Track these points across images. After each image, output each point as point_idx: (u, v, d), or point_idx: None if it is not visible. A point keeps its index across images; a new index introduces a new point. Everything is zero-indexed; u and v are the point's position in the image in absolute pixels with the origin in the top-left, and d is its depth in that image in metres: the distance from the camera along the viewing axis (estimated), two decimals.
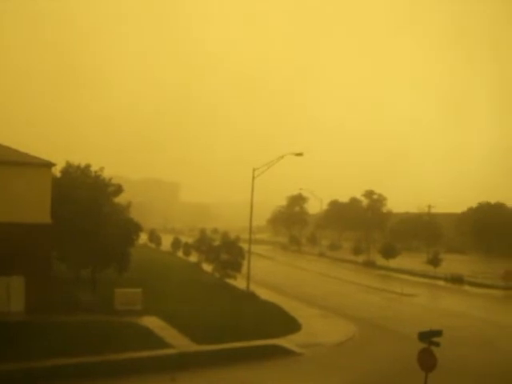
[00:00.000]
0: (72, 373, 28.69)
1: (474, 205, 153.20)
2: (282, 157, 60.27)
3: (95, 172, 57.07)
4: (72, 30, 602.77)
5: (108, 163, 60.93)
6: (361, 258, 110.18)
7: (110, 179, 58.14)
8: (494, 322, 51.71)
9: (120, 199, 60.74)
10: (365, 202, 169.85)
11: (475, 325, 49.99)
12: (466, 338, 42.53)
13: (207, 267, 73.75)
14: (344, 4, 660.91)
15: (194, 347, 35.06)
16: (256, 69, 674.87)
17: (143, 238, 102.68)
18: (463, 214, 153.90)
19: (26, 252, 40.86)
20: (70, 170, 57.11)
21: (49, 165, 44.91)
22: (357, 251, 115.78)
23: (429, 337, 23.56)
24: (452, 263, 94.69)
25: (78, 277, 54.49)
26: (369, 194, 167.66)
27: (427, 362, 23.27)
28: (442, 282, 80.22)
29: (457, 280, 78.96)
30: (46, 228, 43.02)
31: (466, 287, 76.15)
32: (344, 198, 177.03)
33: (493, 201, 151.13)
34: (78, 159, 58.54)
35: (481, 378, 32.76)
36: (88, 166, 57.41)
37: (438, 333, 23.71)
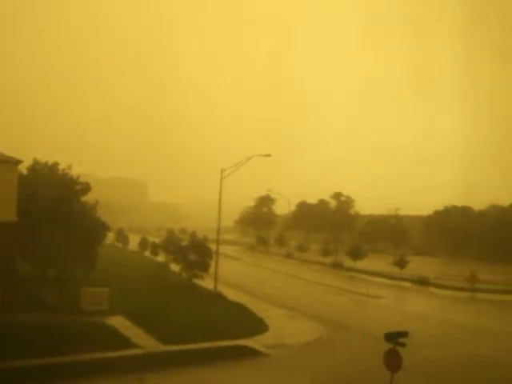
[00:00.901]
0: (34, 374, 28.18)
1: (441, 208, 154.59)
2: (250, 158, 60.37)
3: (63, 170, 56.67)
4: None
5: (75, 161, 60.52)
6: (328, 260, 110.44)
7: (78, 177, 57.76)
8: (459, 323, 52.15)
9: (87, 198, 60.33)
10: (333, 203, 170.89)
11: (440, 326, 50.47)
12: (430, 339, 42.87)
13: (175, 267, 73.45)
14: None
15: (160, 347, 34.85)
16: (226, 70, 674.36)
17: (110, 237, 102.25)
18: (430, 216, 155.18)
19: None
20: (37, 168, 56.64)
21: (15, 162, 44.38)
22: (325, 252, 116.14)
23: (395, 338, 23.75)
24: (418, 265, 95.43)
25: (44, 276, 53.97)
26: (337, 195, 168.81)
27: (393, 362, 23.48)
28: (408, 284, 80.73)
29: (423, 282, 79.52)
30: (11, 226, 42.49)
31: (432, 289, 76.70)
32: (312, 200, 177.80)
33: (460, 203, 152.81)
34: (45, 157, 58.08)
35: (444, 378, 33.10)
36: (56, 164, 57.01)
37: (404, 334, 23.91)
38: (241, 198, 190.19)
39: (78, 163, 63.38)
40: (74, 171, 57.86)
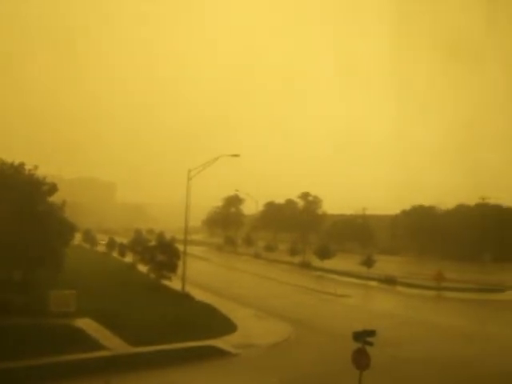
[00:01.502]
0: (0, 378, 28.02)
1: (408, 207, 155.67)
2: (218, 158, 60.36)
3: (29, 170, 56.09)
4: None
5: (41, 162, 59.85)
6: (296, 260, 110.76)
7: (44, 178, 57.22)
8: (425, 321, 52.62)
9: (54, 199, 59.77)
10: (300, 203, 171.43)
11: (407, 324, 50.87)
12: (398, 338, 43.16)
13: (142, 268, 73.19)
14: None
15: (128, 349, 34.76)
16: (194, 69, 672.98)
17: (78, 238, 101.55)
18: (397, 216, 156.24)
19: None
20: (3, 168, 55.99)
21: None
22: (292, 252, 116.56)
23: (363, 337, 23.93)
24: (385, 264, 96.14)
25: (10, 278, 53.35)
26: (304, 195, 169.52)
27: (361, 361, 23.66)
28: (375, 283, 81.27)
29: (390, 281, 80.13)
30: None
31: (399, 288, 77.31)
32: (280, 200, 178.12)
33: (427, 203, 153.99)
34: (11, 157, 57.36)
35: (410, 376, 33.42)
36: (22, 165, 56.33)
37: (372, 333, 24.09)
38: (209, 198, 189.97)
39: (45, 164, 62.71)
40: (41, 172, 57.29)
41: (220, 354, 36.21)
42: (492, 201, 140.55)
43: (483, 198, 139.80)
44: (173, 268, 63.81)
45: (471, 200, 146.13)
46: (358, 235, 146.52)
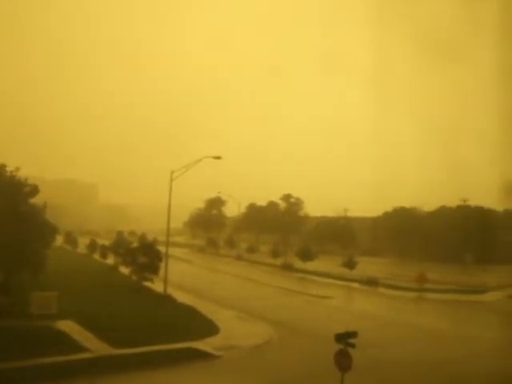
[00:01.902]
0: None
1: (390, 209, 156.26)
2: (200, 159, 60.33)
3: (11, 172, 55.75)
4: None
5: (23, 163, 59.45)
6: (278, 261, 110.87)
7: (26, 179, 56.91)
8: (407, 323, 52.87)
9: (36, 200, 59.47)
10: (282, 205, 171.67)
11: (389, 326, 51.12)
12: (380, 339, 43.35)
13: (124, 270, 73.01)
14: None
15: (110, 351, 34.67)
16: (177, 70, 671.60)
17: (59, 240, 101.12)
18: (378, 217, 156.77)
19: None
20: None
21: None
22: (274, 254, 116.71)
23: (345, 338, 24.03)
24: (367, 266, 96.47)
25: None
26: (286, 197, 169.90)
27: (343, 362, 23.75)
28: (357, 285, 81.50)
29: (372, 282, 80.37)
30: None
31: (381, 289, 77.58)
32: (262, 202, 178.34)
33: (409, 204, 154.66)
34: None
35: (392, 377, 33.57)
36: (3, 166, 55.96)
37: (354, 334, 24.20)
38: (191, 199, 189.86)
39: (26, 165, 62.16)
40: (22, 173, 56.96)
41: (202, 356, 36.15)
42: (473, 202, 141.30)
43: (464, 200, 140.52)
44: (155, 270, 63.69)
45: (454, 201, 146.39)
46: (339, 237, 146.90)
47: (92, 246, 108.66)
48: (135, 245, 73.45)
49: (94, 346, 35.43)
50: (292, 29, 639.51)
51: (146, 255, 65.06)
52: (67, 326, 40.33)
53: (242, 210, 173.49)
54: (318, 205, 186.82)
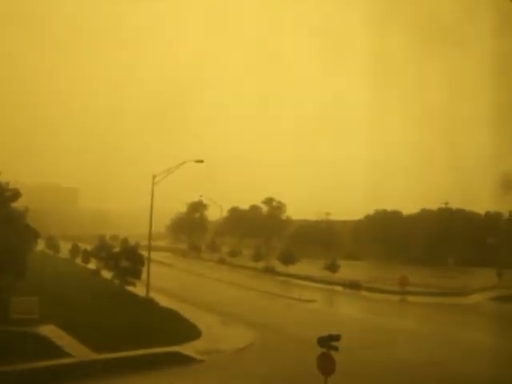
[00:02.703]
0: None
1: (371, 212, 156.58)
2: (183, 163, 60.32)
3: None
4: None
5: (2, 168, 59.13)
6: (260, 265, 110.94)
7: (7, 183, 56.65)
8: (389, 325, 53.07)
9: (16, 205, 59.19)
10: (265, 209, 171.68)
11: (371, 329, 51.18)
12: (362, 343, 43.39)
13: (107, 274, 72.72)
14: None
15: (92, 356, 34.52)
16: (158, 77, 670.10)
17: (41, 244, 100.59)
18: (360, 221, 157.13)
19: None
20: None
21: None
22: (256, 258, 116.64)
23: (328, 341, 24.05)
24: (350, 269, 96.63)
25: None
26: (268, 201, 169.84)
27: (326, 366, 23.78)
28: (340, 288, 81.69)
29: (354, 286, 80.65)
30: None
31: (364, 292, 77.83)
32: (244, 205, 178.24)
33: (390, 208, 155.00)
34: None
35: (375, 380, 33.69)
36: None
37: (337, 337, 24.23)
38: (173, 203, 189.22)
39: (6, 170, 61.76)
40: (2, 178, 56.69)
41: (184, 360, 36.14)
42: (454, 205, 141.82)
43: (446, 203, 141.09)
44: (137, 274, 63.54)
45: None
46: (321, 240, 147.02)
47: (74, 251, 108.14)
48: (117, 249, 73.17)
49: (76, 350, 35.25)
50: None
51: (128, 259, 64.89)
52: (49, 331, 40.11)
53: (225, 213, 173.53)
54: (300, 208, 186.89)
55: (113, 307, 53.32)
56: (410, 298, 73.41)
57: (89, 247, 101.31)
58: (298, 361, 36.54)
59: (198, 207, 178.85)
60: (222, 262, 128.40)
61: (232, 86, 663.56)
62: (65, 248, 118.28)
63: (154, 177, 59.95)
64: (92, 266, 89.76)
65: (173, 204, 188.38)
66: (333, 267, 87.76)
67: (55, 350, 34.94)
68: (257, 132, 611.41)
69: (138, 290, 62.92)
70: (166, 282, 77.33)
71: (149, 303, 57.32)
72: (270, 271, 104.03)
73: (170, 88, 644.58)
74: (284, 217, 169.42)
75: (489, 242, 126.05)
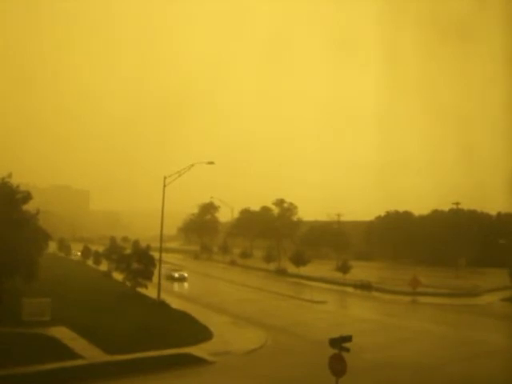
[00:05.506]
0: None
1: (383, 213, 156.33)
2: (193, 165, 60.28)
3: (3, 179, 55.60)
4: None
5: (14, 170, 59.32)
6: (272, 266, 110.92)
7: (18, 186, 56.78)
8: (400, 326, 52.87)
9: (28, 207, 59.36)
10: (276, 210, 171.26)
11: (383, 330, 51.05)
12: (374, 343, 43.30)
13: (118, 276, 72.84)
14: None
15: (104, 358, 34.52)
16: (168, 79, 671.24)
17: (52, 246, 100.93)
18: (371, 222, 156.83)
19: None
20: None
21: None
22: (268, 259, 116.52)
23: (339, 343, 23.99)
24: (361, 270, 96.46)
25: None
26: (279, 202, 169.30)
27: (338, 367, 23.70)
28: (351, 289, 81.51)
29: (365, 287, 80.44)
30: None
31: (375, 293, 77.60)
32: (255, 207, 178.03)
33: (402, 209, 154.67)
34: None
35: (387, 381, 33.56)
36: None
37: (348, 338, 24.17)
38: (184, 205, 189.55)
39: (18, 172, 61.98)
40: (14, 180, 56.84)
41: (196, 361, 36.04)
42: (466, 206, 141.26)
43: (457, 203, 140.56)
44: (148, 276, 63.63)
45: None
46: (333, 241, 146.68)
47: (85, 253, 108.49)
48: (129, 251, 73.28)
49: (88, 352, 35.30)
50: (301, 13, 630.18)
51: (139, 261, 64.97)
52: (60, 333, 40.20)
53: (236, 215, 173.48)
54: (312, 209, 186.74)
55: (124, 309, 53.39)
56: (422, 299, 73.05)
57: (100, 249, 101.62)
58: (308, 362, 36.45)
59: (209, 209, 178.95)
60: (233, 263, 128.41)
61: (243, 87, 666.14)
62: (76, 250, 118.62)
63: (165, 178, 59.95)
64: (103, 267, 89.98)
65: (184, 206, 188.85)
66: (344, 268, 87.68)
67: (67, 352, 34.98)
68: (268, 133, 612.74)
69: (150, 291, 62.90)
70: (177, 283, 77.40)
71: (160, 305, 57.31)
72: (281, 273, 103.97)
73: (181, 90, 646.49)
74: (295, 218, 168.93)
75: (501, 242, 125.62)
